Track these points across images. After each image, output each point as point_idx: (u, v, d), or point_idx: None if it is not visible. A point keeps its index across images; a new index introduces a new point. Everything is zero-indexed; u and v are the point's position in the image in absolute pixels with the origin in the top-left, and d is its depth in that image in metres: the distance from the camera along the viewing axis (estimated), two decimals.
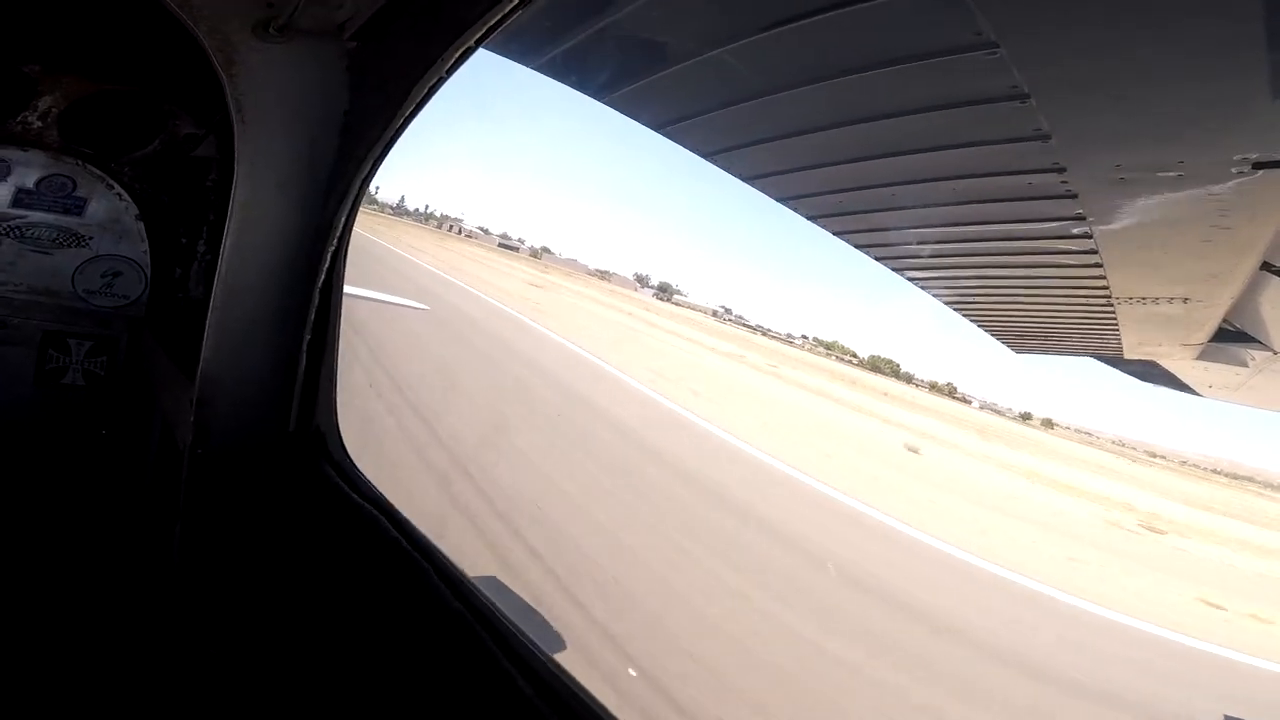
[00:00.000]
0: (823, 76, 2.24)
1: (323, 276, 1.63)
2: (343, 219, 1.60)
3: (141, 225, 2.88)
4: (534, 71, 2.75)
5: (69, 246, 2.85)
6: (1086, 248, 3.12)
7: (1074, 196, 2.57)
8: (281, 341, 1.65)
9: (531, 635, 1.02)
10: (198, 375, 1.69)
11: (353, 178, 1.59)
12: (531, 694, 0.92)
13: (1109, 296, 4.00)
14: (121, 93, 2.56)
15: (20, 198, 2.71)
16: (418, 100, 1.51)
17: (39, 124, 2.56)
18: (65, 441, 2.96)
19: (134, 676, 1.98)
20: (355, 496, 1.45)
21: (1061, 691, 7.07)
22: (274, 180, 1.61)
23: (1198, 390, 6.43)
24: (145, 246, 2.91)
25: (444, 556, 1.21)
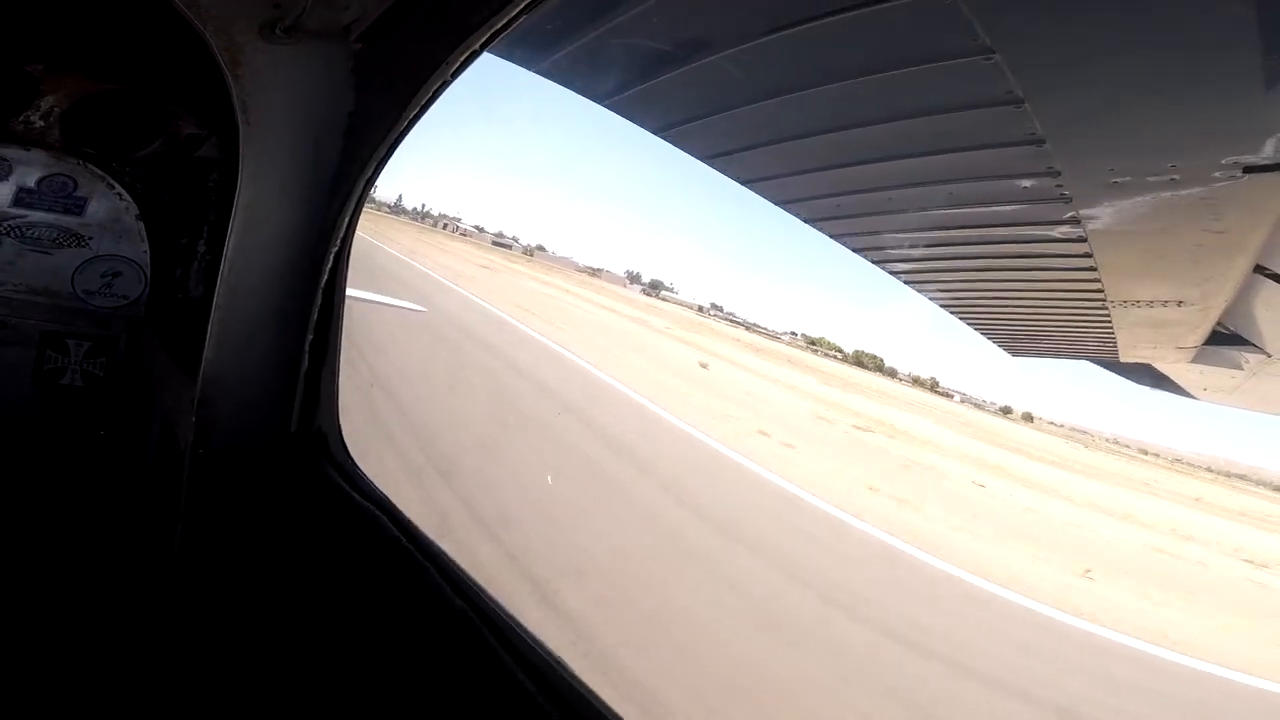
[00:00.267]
0: (821, 82, 2.26)
1: (325, 277, 1.63)
2: (346, 220, 1.61)
3: (142, 225, 2.88)
4: (537, 75, 2.77)
5: (69, 246, 2.85)
6: (1081, 251, 3.15)
7: (1068, 200, 2.60)
8: (284, 342, 1.65)
9: (534, 633, 1.03)
10: (199, 375, 1.69)
11: (357, 179, 1.60)
12: (534, 690, 0.93)
13: (1104, 300, 4.03)
14: (124, 93, 2.57)
15: (21, 197, 2.71)
16: (423, 102, 1.53)
17: (41, 123, 2.56)
18: (64, 442, 2.95)
19: (136, 677, 1.98)
20: (357, 497, 1.45)
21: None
22: (278, 181, 1.61)
23: (1193, 393, 6.47)
24: (145, 247, 2.91)
25: (447, 556, 1.21)
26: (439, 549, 1.25)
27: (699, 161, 3.28)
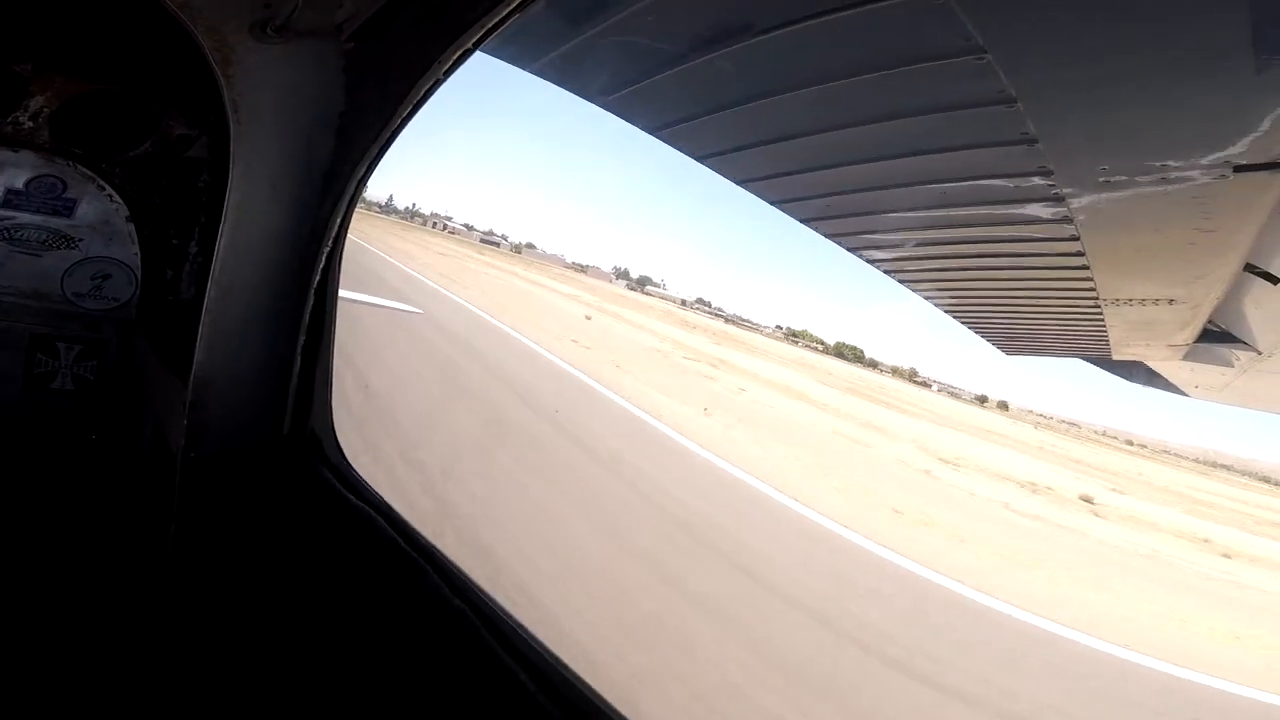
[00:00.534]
0: (815, 81, 2.27)
1: (318, 277, 1.62)
2: (338, 220, 1.60)
3: (132, 227, 2.86)
4: (530, 74, 2.77)
5: (58, 248, 2.83)
6: (1073, 250, 3.17)
7: (1060, 200, 2.61)
8: (276, 343, 1.64)
9: (534, 631, 1.03)
10: (190, 377, 1.68)
11: (349, 179, 1.59)
12: (535, 690, 0.92)
13: (1096, 298, 4.05)
14: (113, 93, 2.55)
15: (9, 198, 2.68)
16: (415, 101, 1.52)
17: (30, 124, 2.54)
18: (55, 447, 2.93)
19: (131, 680, 1.96)
20: (352, 498, 1.44)
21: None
22: (269, 181, 1.60)
23: (1185, 391, 6.52)
24: (136, 249, 2.89)
25: (444, 556, 1.21)
26: (436, 549, 1.24)
27: (693, 161, 3.28)
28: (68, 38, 2.31)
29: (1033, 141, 2.21)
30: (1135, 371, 6.49)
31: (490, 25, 1.38)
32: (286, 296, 1.65)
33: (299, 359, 1.68)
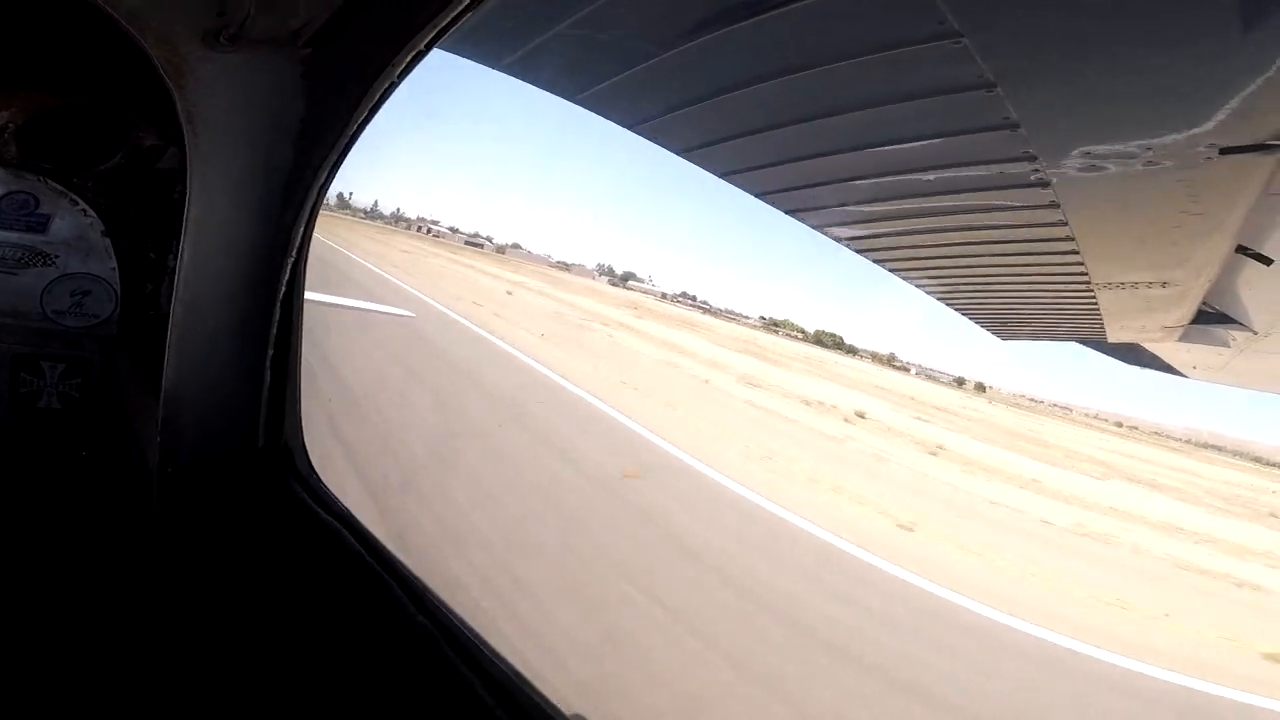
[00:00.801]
0: (790, 70, 2.23)
1: (283, 288, 1.60)
2: (301, 229, 1.58)
3: (108, 241, 2.82)
4: (506, 75, 2.72)
5: (35, 265, 2.79)
6: (1062, 235, 3.14)
7: (1046, 185, 2.58)
8: (244, 357, 1.62)
9: (495, 647, 1.01)
10: (162, 393, 1.66)
11: (310, 186, 1.57)
12: (493, 704, 0.91)
13: (1088, 282, 4.02)
14: (80, 106, 2.51)
15: None
16: (373, 104, 1.49)
17: None
18: (46, 466, 2.91)
19: (115, 696, 1.95)
20: (321, 512, 1.42)
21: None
22: (229, 192, 1.57)
23: (1183, 372, 6.50)
24: (113, 263, 2.85)
25: (408, 570, 1.19)
26: (400, 563, 1.23)
27: (677, 160, 3.25)
28: (28, 52, 2.28)
29: (1014, 126, 2.17)
30: (1132, 354, 6.47)
31: (445, 23, 1.35)
32: (252, 309, 1.63)
33: (269, 372, 1.65)
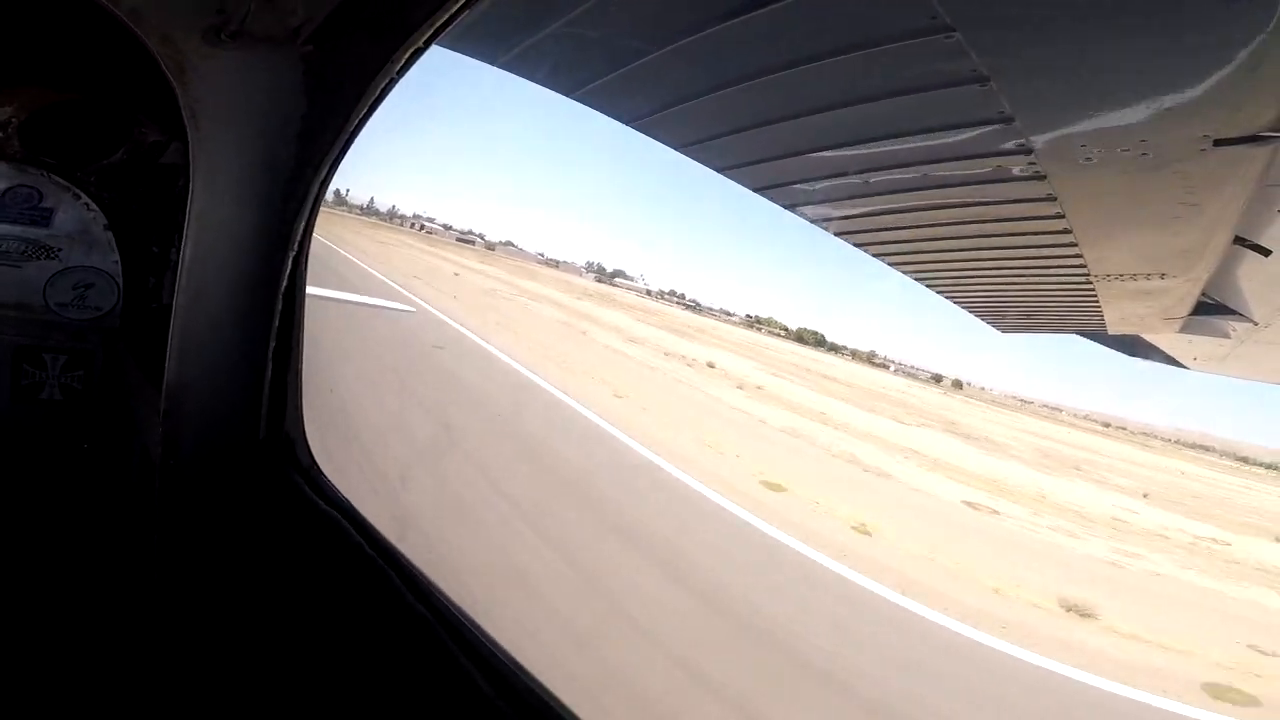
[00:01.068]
0: (786, 65, 2.24)
1: (285, 282, 1.62)
2: (302, 224, 1.60)
3: (111, 235, 2.84)
4: (504, 71, 2.73)
5: (38, 259, 2.82)
6: (1060, 228, 3.14)
7: (1043, 178, 2.59)
8: (246, 349, 1.64)
9: (494, 636, 1.03)
10: (164, 386, 1.68)
11: (311, 182, 1.58)
12: (492, 694, 0.93)
13: (1087, 274, 4.03)
14: (82, 102, 2.53)
15: None
16: (373, 101, 1.51)
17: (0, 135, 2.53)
18: (47, 457, 2.94)
19: (116, 686, 1.99)
20: (321, 503, 1.45)
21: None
22: (231, 188, 1.59)
23: (1183, 363, 6.50)
24: (116, 257, 2.87)
25: (408, 561, 1.22)
26: (400, 554, 1.25)
27: (672, 156, 3.26)
28: (32, 49, 2.29)
29: (1009, 120, 2.18)
30: (1133, 345, 6.47)
31: (443, 20, 1.36)
32: (254, 302, 1.65)
33: (270, 364, 1.68)
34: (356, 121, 1.54)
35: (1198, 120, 1.91)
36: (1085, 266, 3.93)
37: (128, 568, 2.35)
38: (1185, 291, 4.19)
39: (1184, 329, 5.09)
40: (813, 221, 3.79)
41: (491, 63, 2.56)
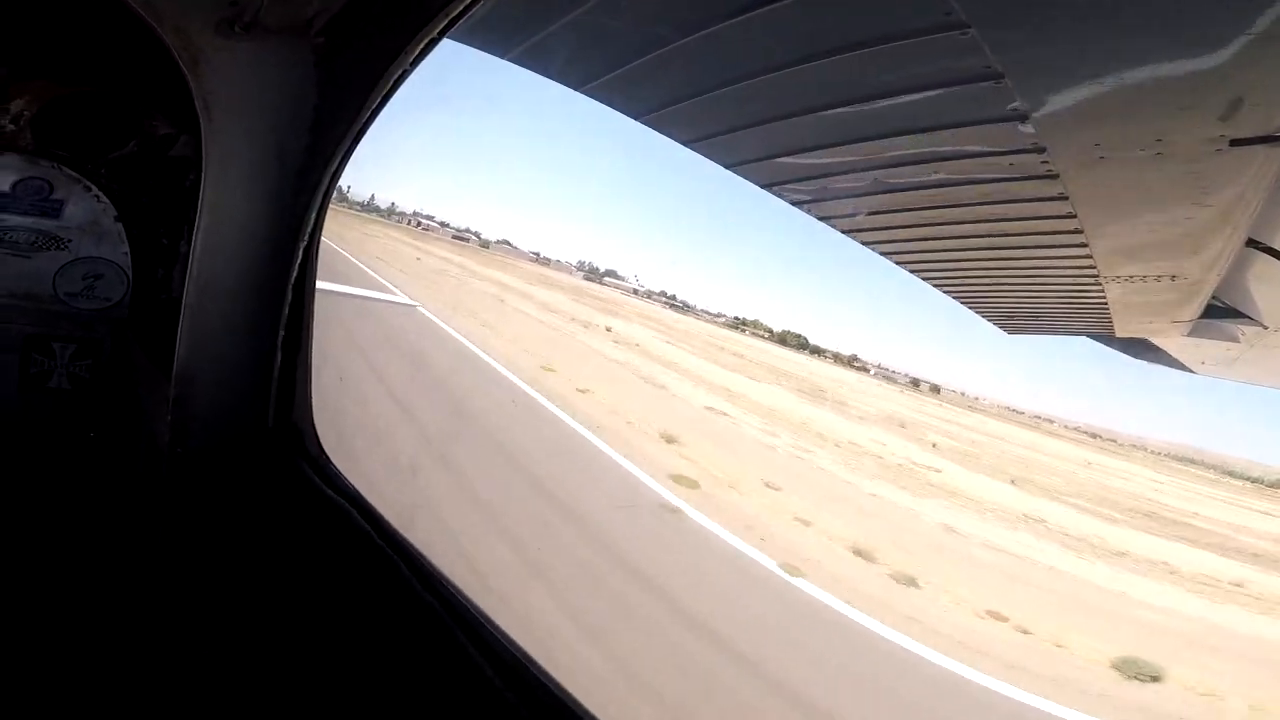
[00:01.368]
0: (799, 61, 2.22)
1: (295, 273, 1.62)
2: (313, 215, 1.60)
3: (121, 227, 2.85)
4: (512, 65, 2.73)
5: (48, 249, 2.83)
6: (1071, 228, 3.12)
7: (1055, 177, 2.57)
8: (256, 339, 1.64)
9: (503, 627, 1.03)
10: (173, 375, 1.69)
11: (322, 173, 1.59)
12: (501, 686, 0.93)
13: (1097, 275, 4.00)
14: (93, 94, 2.54)
15: None
16: (385, 92, 1.51)
17: (11, 127, 2.53)
18: (54, 445, 2.96)
19: (125, 675, 2.00)
20: (330, 492, 1.45)
21: None
22: (243, 179, 1.60)
23: (1191, 367, 6.45)
24: (125, 248, 2.89)
25: (416, 550, 1.22)
26: (409, 543, 1.25)
27: (675, 156, 3.25)
28: (44, 41, 2.30)
29: (1023, 118, 2.16)
30: (1141, 349, 6.43)
31: (457, 13, 1.36)
32: (265, 292, 1.66)
33: (279, 353, 1.68)
34: (368, 114, 1.54)
35: (1215, 118, 1.89)
36: (1095, 267, 3.91)
37: (135, 556, 2.36)
38: (1196, 294, 4.16)
39: (1192, 333, 5.06)
40: (820, 219, 3.78)
41: (502, 56, 2.55)
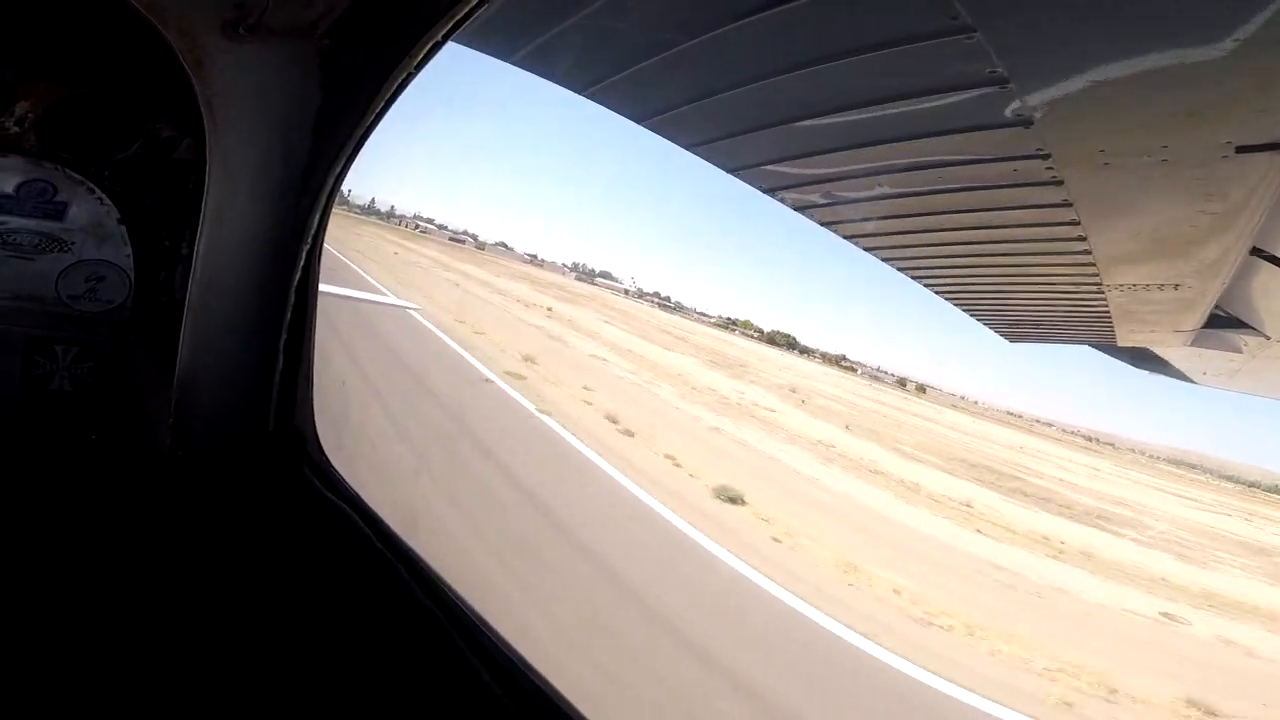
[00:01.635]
0: (802, 65, 2.22)
1: (298, 276, 1.61)
2: (316, 217, 1.59)
3: (124, 229, 2.86)
4: (514, 68, 2.73)
5: (51, 252, 2.83)
6: (1074, 235, 3.11)
7: (1059, 183, 2.56)
8: (258, 342, 1.64)
9: (502, 634, 1.02)
10: (175, 377, 1.68)
11: (326, 175, 1.58)
12: (500, 692, 0.92)
13: (1099, 283, 3.99)
14: (98, 97, 2.54)
15: (0, 203, 2.69)
16: (389, 95, 1.51)
17: (15, 129, 2.54)
18: (55, 448, 2.95)
19: (125, 678, 1.98)
20: (331, 496, 1.44)
21: None
22: (247, 180, 1.59)
23: (1192, 378, 6.43)
24: (128, 250, 2.89)
25: (417, 555, 1.20)
26: (409, 548, 1.24)
27: (676, 161, 3.24)
28: (49, 44, 2.31)
29: (1028, 123, 2.16)
30: (1142, 358, 6.41)
31: (462, 15, 1.36)
32: (268, 295, 1.65)
33: (282, 356, 1.67)
34: (373, 116, 1.54)
35: (1221, 124, 1.88)
36: (1098, 275, 3.90)
37: (136, 559, 2.35)
38: (1199, 303, 4.14)
39: (1195, 342, 5.04)
40: (823, 225, 3.77)
41: (507, 59, 2.55)
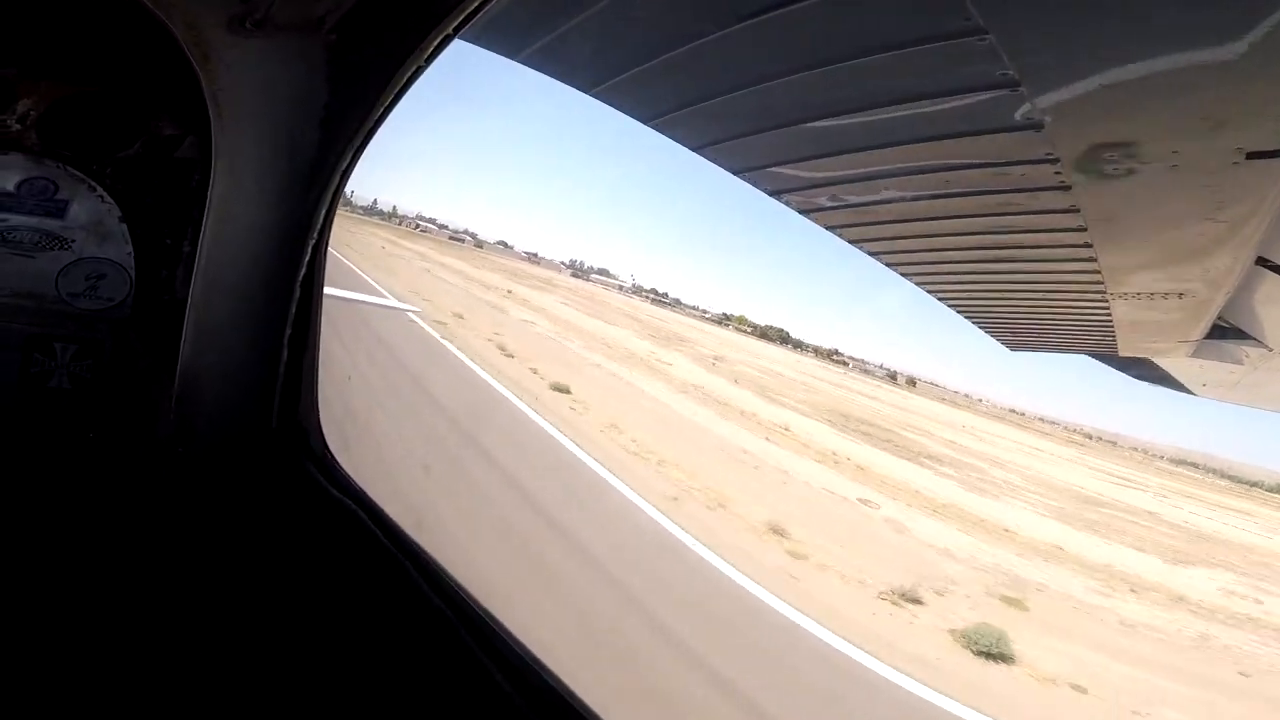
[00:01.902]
0: (810, 66, 2.22)
1: (303, 271, 1.60)
2: (322, 213, 1.58)
3: (125, 227, 2.84)
4: (520, 66, 2.72)
5: (51, 249, 2.81)
6: (1080, 241, 3.10)
7: (1067, 189, 2.55)
8: (262, 338, 1.62)
9: (512, 631, 1.00)
10: (177, 373, 1.66)
11: (333, 171, 1.57)
12: (510, 690, 0.90)
13: (1103, 291, 3.98)
14: (100, 94, 2.53)
15: (0, 201, 2.68)
16: (396, 91, 1.50)
17: (17, 127, 2.52)
18: (54, 445, 2.93)
19: (127, 676, 1.95)
20: (335, 492, 1.42)
21: None
22: (253, 176, 1.58)
23: (1192, 389, 6.41)
24: (129, 249, 2.87)
25: (425, 552, 1.19)
26: (417, 545, 1.22)
27: (679, 160, 3.24)
28: (51, 41, 2.30)
29: (1038, 127, 2.15)
30: (1142, 369, 6.39)
31: (470, 10, 1.35)
32: (272, 291, 1.63)
33: (285, 352, 1.66)
34: (380, 112, 1.53)
35: (1233, 130, 1.87)
36: (1102, 283, 3.89)
37: (137, 557, 2.32)
38: (1201, 313, 4.13)
39: (1196, 353, 5.02)
40: (828, 229, 3.76)
41: (513, 57, 2.55)
